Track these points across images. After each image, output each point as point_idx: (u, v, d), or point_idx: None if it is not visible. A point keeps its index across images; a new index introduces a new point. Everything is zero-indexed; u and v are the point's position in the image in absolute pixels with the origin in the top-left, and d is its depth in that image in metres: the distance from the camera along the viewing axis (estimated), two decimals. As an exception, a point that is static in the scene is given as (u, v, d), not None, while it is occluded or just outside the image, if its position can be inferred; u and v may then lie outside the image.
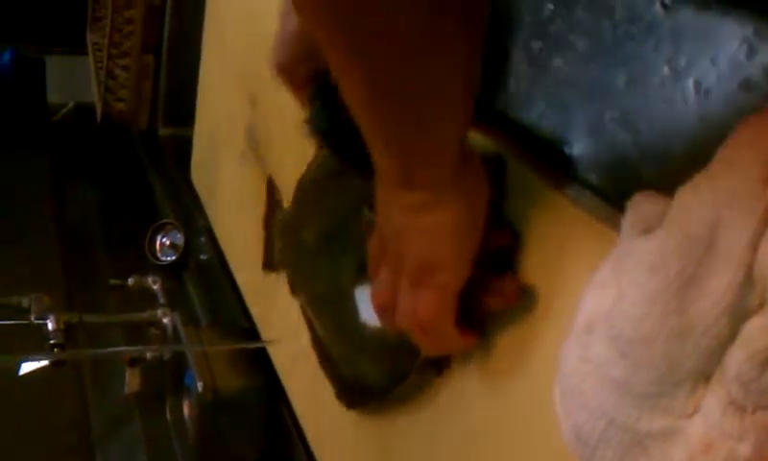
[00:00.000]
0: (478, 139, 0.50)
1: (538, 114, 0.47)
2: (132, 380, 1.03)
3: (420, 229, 0.44)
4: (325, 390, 0.69)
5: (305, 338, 0.73)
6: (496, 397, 0.50)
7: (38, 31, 2.28)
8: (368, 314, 0.56)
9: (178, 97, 1.65)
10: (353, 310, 0.58)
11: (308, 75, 0.55)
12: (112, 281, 1.20)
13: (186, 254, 1.36)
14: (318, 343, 0.69)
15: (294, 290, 0.74)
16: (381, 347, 0.56)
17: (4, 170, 1.84)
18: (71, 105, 2.21)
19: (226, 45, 1.10)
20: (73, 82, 2.20)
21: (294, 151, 0.80)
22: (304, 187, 0.71)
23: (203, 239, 1.31)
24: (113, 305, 1.33)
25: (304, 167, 0.74)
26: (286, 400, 0.87)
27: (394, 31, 0.34)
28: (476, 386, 0.52)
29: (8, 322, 1.05)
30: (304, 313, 0.71)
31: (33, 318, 1.07)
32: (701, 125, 0.36)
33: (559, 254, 0.44)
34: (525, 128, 0.48)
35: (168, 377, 1.01)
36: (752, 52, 0.34)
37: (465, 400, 0.53)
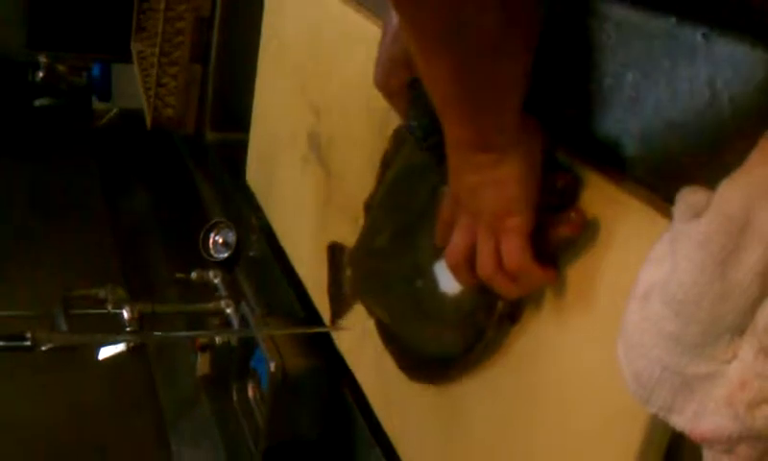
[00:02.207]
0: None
1: (595, 122, 0.56)
2: (202, 364, 1.13)
3: (493, 181, 0.53)
4: (392, 362, 0.77)
5: (371, 324, 0.81)
6: (564, 348, 0.57)
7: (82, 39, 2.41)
8: (447, 284, 0.65)
9: (224, 104, 1.76)
10: (431, 287, 0.67)
11: (402, 84, 0.63)
12: (178, 275, 1.30)
13: (238, 251, 1.45)
14: (396, 349, 0.76)
15: (370, 310, 0.81)
16: (459, 312, 0.64)
17: (64, 173, 1.95)
18: (115, 110, 2.32)
19: (284, 54, 1.19)
20: (117, 88, 2.31)
21: (360, 157, 0.89)
22: (373, 204, 0.79)
23: (254, 237, 1.40)
24: (172, 298, 1.43)
25: (369, 169, 0.83)
26: (348, 381, 0.96)
27: (478, 26, 0.45)
28: (542, 338, 0.59)
29: (87, 311, 1.15)
30: (380, 330, 0.79)
31: (110, 308, 1.17)
32: (738, 133, 0.45)
33: (613, 234, 0.53)
34: (583, 131, 0.57)
35: (236, 361, 1.10)
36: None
37: (533, 351, 0.60)
